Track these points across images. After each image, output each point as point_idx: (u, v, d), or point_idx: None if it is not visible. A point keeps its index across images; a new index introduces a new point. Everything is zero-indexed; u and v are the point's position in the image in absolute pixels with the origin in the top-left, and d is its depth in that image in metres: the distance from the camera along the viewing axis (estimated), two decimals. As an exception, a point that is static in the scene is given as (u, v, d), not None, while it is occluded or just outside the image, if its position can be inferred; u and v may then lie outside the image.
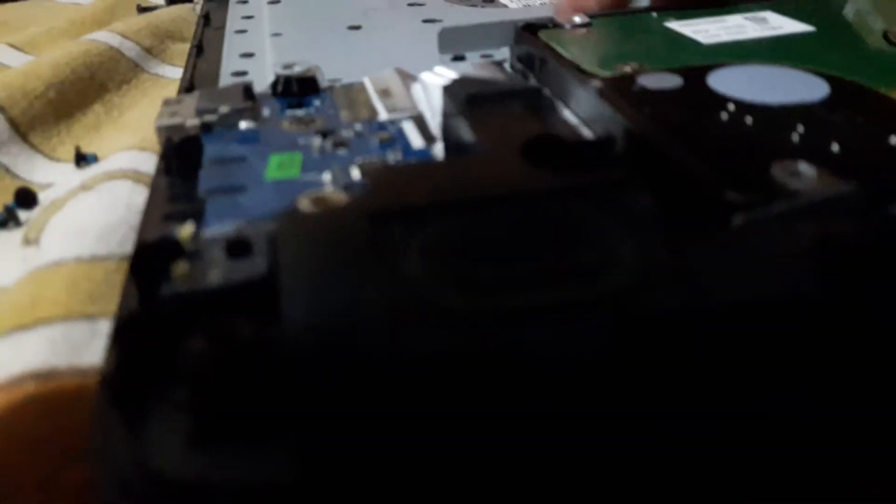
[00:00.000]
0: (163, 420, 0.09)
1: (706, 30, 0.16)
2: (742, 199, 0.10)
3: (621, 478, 0.09)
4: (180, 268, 0.10)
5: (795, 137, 0.12)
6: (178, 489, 0.08)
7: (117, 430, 0.08)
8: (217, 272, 0.10)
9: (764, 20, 0.17)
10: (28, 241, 0.15)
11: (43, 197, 0.17)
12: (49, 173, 0.19)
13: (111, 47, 0.24)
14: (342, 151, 0.14)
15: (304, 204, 0.11)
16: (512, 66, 0.18)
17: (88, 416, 0.09)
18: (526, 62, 0.17)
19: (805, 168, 0.10)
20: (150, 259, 0.11)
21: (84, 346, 0.12)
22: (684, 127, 0.12)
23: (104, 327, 0.12)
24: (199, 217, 0.12)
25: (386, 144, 0.14)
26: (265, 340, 0.09)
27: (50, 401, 0.11)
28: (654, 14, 0.17)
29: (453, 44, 0.18)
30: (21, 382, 0.11)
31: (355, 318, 0.08)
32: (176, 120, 0.15)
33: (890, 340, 0.09)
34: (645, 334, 0.09)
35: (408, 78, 0.17)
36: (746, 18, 0.17)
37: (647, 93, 0.13)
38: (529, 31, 0.17)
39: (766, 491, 0.09)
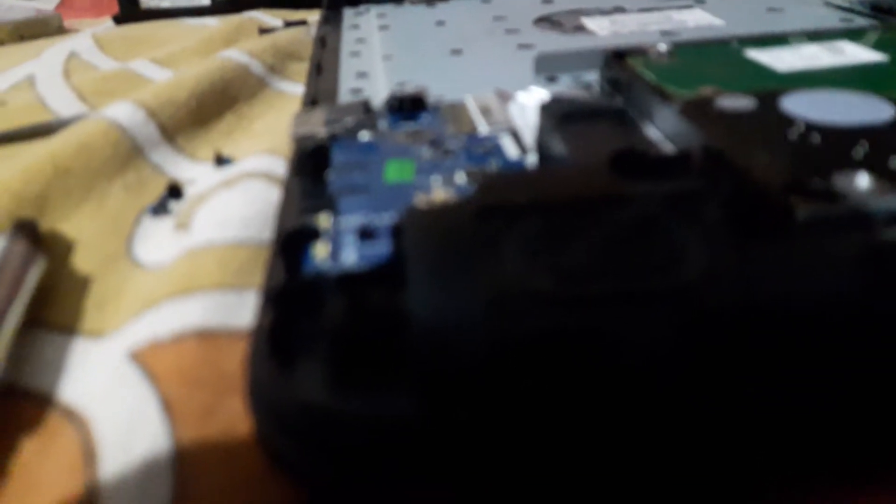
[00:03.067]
0: (309, 364, 0.11)
1: (783, 58, 0.18)
2: (803, 203, 0.11)
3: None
4: (320, 248, 0.13)
5: (859, 153, 0.13)
6: (320, 417, 0.10)
7: (272, 371, 0.11)
8: (350, 253, 0.13)
9: (840, 50, 0.18)
10: (180, 227, 0.18)
11: (188, 191, 0.20)
12: (191, 171, 0.21)
13: (241, 64, 0.28)
14: (448, 160, 0.16)
15: (421, 202, 0.13)
16: (600, 88, 0.19)
17: (240, 363, 0.12)
18: (613, 85, 0.19)
19: (864, 178, 0.12)
20: (295, 240, 0.13)
21: (234, 312, 0.14)
22: (756, 143, 0.14)
23: (249, 298, 0.15)
24: (332, 209, 0.14)
25: (486, 155, 0.16)
26: (392, 305, 0.11)
27: (207, 351, 0.13)
28: (735, 43, 0.19)
29: (548, 67, 0.20)
30: (185, 336, 0.13)
31: (464, 295, 0.10)
32: (308, 129, 0.17)
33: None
34: (711, 324, 0.10)
35: (505, 96, 0.19)
36: (823, 48, 0.18)
37: (723, 113, 0.15)
38: (618, 57, 0.19)
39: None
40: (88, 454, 0.12)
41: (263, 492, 0.11)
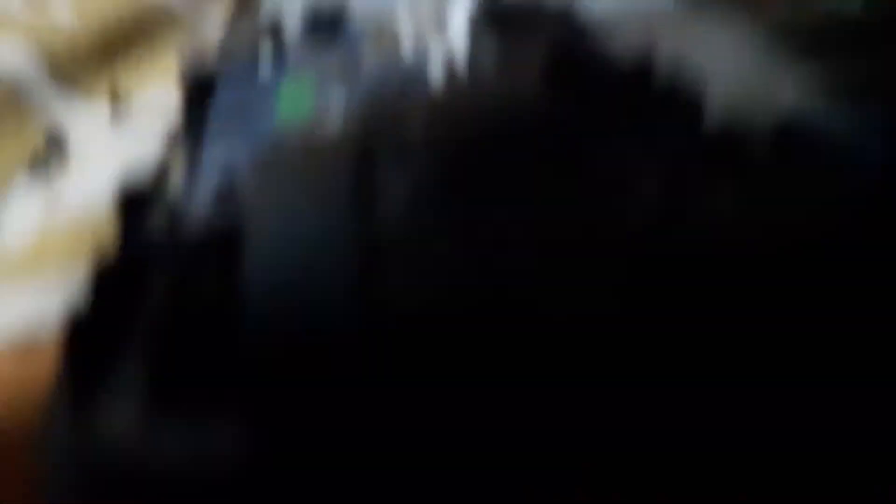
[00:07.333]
0: (118, 390, 0.08)
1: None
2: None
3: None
4: (161, 211, 0.10)
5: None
6: (130, 463, 0.07)
7: (70, 403, 0.08)
8: (198, 219, 0.10)
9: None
10: (51, 188, 0.15)
11: (74, 139, 0.17)
12: (86, 114, 0.18)
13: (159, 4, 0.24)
14: (358, 84, 0.13)
15: (292, 139, 0.10)
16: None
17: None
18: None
19: None
20: (133, 202, 0.10)
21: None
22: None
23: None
24: (196, 160, 0.11)
25: (405, 80, 0.13)
26: (226, 301, 0.08)
27: (29, 356, 0.10)
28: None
29: None
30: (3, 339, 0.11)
31: (318, 263, 0.07)
32: (199, 59, 0.14)
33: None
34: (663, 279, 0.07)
35: (444, 4, 0.15)
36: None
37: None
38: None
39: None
40: None
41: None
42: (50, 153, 0.16)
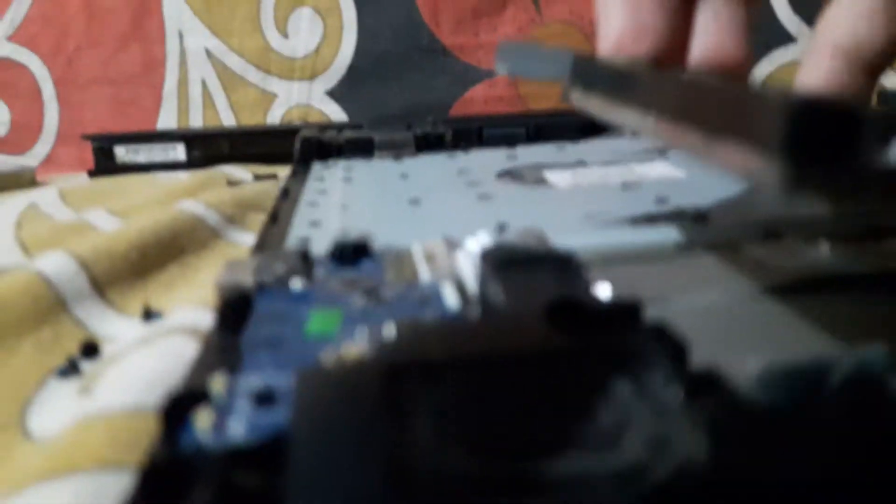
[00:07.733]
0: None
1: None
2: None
3: None
4: (203, 416, 0.11)
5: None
6: None
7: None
8: (238, 423, 0.11)
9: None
10: (83, 392, 0.16)
11: (108, 350, 0.18)
12: (117, 327, 0.20)
13: (195, 215, 0.27)
14: (381, 310, 0.14)
15: (326, 359, 0.11)
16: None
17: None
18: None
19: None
20: (177, 406, 0.11)
21: (112, 495, 0.12)
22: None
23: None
24: (235, 368, 0.12)
25: (423, 304, 0.15)
26: (273, 494, 0.09)
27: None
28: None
29: (509, 58, 0.18)
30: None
31: (360, 478, 0.08)
32: (233, 278, 0.16)
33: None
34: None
35: (453, 244, 0.17)
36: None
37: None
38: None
39: None
40: None
41: None
42: (83, 360, 0.18)
